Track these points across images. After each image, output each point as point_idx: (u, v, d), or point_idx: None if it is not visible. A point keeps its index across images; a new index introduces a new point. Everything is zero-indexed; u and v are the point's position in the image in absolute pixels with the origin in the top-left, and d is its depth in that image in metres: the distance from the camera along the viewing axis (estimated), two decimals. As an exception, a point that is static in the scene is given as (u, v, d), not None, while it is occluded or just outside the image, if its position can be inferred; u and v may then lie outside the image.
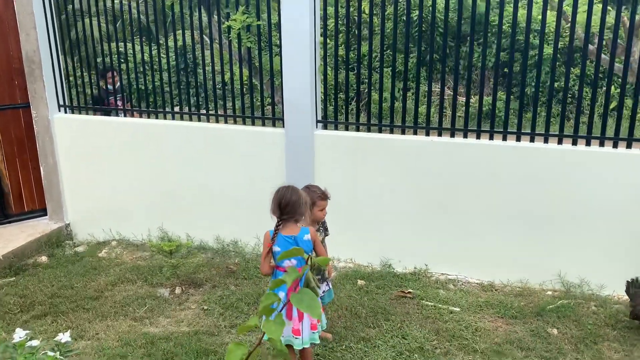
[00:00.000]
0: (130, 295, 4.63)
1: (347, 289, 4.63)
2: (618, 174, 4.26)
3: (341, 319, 4.18)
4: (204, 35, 5.22)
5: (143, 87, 5.69)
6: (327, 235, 3.86)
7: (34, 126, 5.86)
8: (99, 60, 5.79)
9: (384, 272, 4.91)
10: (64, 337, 2.20)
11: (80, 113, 5.90)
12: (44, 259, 5.49)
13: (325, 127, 5.09)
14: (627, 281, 4.00)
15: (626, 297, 4.32)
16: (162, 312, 4.36)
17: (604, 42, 6.82)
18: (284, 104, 4.95)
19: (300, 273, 1.34)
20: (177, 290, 4.69)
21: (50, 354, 1.81)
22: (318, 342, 3.37)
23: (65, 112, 5.90)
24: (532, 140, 4.55)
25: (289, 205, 3.28)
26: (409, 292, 4.52)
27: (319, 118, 5.01)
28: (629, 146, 4.32)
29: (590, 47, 6.55)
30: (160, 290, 4.70)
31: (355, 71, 4.86)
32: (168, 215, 5.68)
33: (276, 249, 3.27)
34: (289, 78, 4.85)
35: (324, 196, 3.64)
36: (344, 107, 5.11)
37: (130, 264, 5.28)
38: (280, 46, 4.82)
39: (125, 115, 5.79)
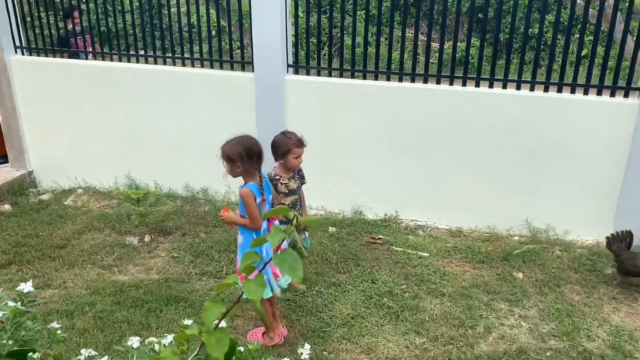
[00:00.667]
0: (98, 244, 4.56)
1: (318, 236, 4.64)
2: (586, 121, 4.28)
3: (312, 265, 4.20)
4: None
5: (105, 30, 5.42)
6: (303, 183, 3.81)
7: (-10, 69, 5.57)
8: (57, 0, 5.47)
9: (355, 219, 4.92)
10: (26, 286, 2.13)
11: (39, 55, 5.61)
12: (6, 207, 5.34)
13: (296, 72, 4.95)
14: (607, 237, 4.02)
15: (590, 241, 4.46)
16: (131, 260, 4.31)
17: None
18: (254, 48, 4.78)
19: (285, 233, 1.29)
20: (146, 239, 4.64)
21: (11, 304, 1.73)
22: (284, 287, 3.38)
23: (23, 53, 5.60)
24: (504, 87, 4.52)
25: (261, 154, 3.23)
26: (379, 238, 4.56)
27: (290, 62, 4.87)
28: (599, 93, 4.33)
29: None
30: (129, 239, 4.63)
31: (328, 14, 4.70)
32: (135, 162, 5.54)
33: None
34: (259, 20, 4.67)
35: (300, 143, 3.56)
36: (316, 52, 4.97)
37: (97, 212, 5.18)
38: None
39: (87, 58, 5.53)
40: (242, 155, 3.11)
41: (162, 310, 3.61)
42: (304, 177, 3.80)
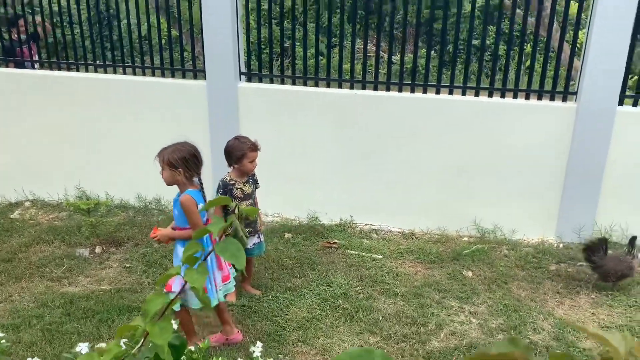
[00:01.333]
0: (46, 256, 4.44)
1: (274, 242, 4.66)
2: (528, 124, 4.48)
3: (268, 271, 4.21)
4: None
5: (53, 40, 5.32)
6: (257, 187, 3.83)
7: None
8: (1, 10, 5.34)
9: (310, 224, 4.97)
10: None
11: (-18, 65, 5.46)
12: (-52, 222, 5.13)
13: (249, 80, 4.99)
14: (584, 249, 3.90)
15: (535, 240, 4.64)
16: (81, 272, 4.22)
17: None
18: (205, 56, 4.79)
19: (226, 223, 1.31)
20: (97, 250, 4.54)
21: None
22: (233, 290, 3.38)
23: (-36, 63, 5.44)
24: (450, 93, 4.68)
25: (202, 160, 3.19)
26: (335, 243, 4.62)
27: (243, 70, 4.90)
28: (539, 98, 4.54)
29: (507, 2, 6.77)
30: (80, 250, 4.53)
31: (279, 25, 4.77)
32: (85, 173, 5.43)
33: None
34: (210, 29, 4.69)
35: (254, 147, 3.60)
36: (268, 61, 5.04)
37: (46, 225, 5.04)
38: (199, -7, 4.63)
39: (34, 67, 5.41)
40: (185, 161, 3.06)
41: (114, 320, 3.55)
42: (257, 181, 3.83)
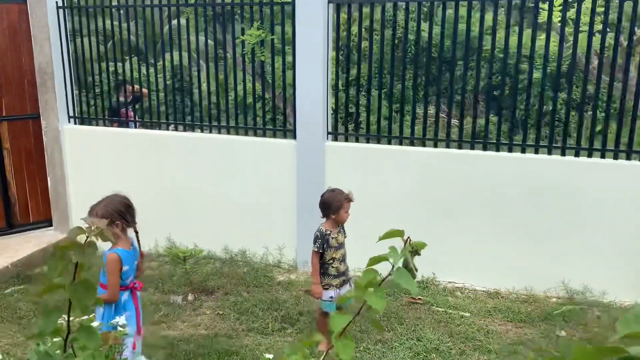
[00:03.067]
0: (143, 302, 4.64)
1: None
2: (616, 184, 4.48)
3: (356, 323, 4.26)
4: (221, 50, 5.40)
5: (154, 102, 5.81)
6: (345, 237, 3.99)
7: (43, 137, 5.92)
8: (105, 75, 5.91)
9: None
10: (122, 320, 2.30)
11: (90, 124, 5.98)
12: (50, 268, 5.48)
13: (335, 139, 5.25)
14: None
15: (628, 302, 4.51)
16: (177, 317, 4.40)
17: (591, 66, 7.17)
18: (297, 117, 5.10)
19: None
20: (190, 297, 4.74)
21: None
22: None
23: (75, 123, 5.97)
24: (536, 152, 4.77)
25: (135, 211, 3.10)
26: (420, 299, 4.64)
27: (329, 130, 5.18)
28: (627, 158, 4.56)
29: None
30: (173, 297, 4.74)
31: (364, 87, 5.06)
32: (176, 226, 5.73)
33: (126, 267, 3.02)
34: (302, 91, 5.02)
35: (349, 198, 3.79)
36: (349, 121, 5.32)
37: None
38: (293, 60, 5.00)
39: (136, 127, 5.89)
40: (121, 212, 2.98)
41: (215, 362, 3.67)
42: (345, 231, 3.98)
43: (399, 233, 1.56)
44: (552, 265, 4.71)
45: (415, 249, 1.55)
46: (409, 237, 1.53)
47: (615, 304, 4.51)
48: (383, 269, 1.35)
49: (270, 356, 2.08)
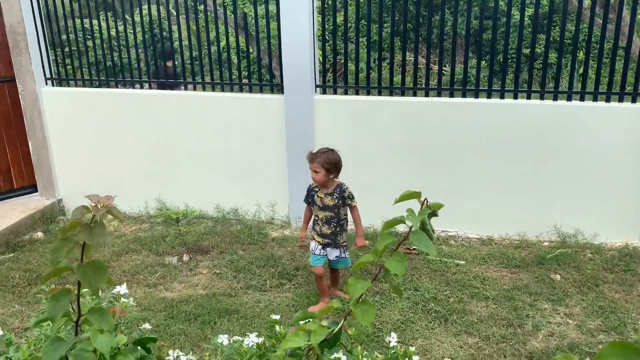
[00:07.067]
0: (138, 265, 4.64)
1: (350, 249, 4.74)
2: (608, 127, 4.47)
3: (352, 275, 4.29)
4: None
5: (129, 59, 5.60)
6: (347, 204, 3.84)
7: (21, 100, 5.71)
8: (81, 33, 5.65)
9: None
10: (122, 289, 2.27)
11: (68, 85, 5.77)
12: (39, 235, 5.40)
13: (324, 92, 5.13)
14: None
15: (618, 243, 4.59)
16: (174, 278, 4.39)
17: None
18: (283, 71, 4.96)
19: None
20: (185, 258, 4.72)
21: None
22: None
23: (53, 84, 5.76)
24: (528, 97, 4.72)
25: None
26: (414, 249, 4.67)
27: (318, 83, 5.05)
28: (620, 100, 4.53)
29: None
30: (168, 258, 4.71)
31: (351, 37, 4.91)
32: (165, 186, 5.65)
33: None
34: (289, 44, 4.86)
35: (309, 159, 3.75)
36: (338, 73, 5.19)
37: (131, 236, 5.26)
38: (277, 10, 4.81)
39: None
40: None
41: (216, 322, 3.68)
42: (347, 198, 3.82)
43: (415, 195, 1.51)
44: (543, 210, 4.75)
45: (433, 211, 1.50)
46: (426, 199, 1.48)
47: (607, 246, 4.58)
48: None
49: (277, 317, 2.06)
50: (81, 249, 1.12)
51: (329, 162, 3.71)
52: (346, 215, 3.92)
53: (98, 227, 1.11)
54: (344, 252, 3.93)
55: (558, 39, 4.69)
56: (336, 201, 3.82)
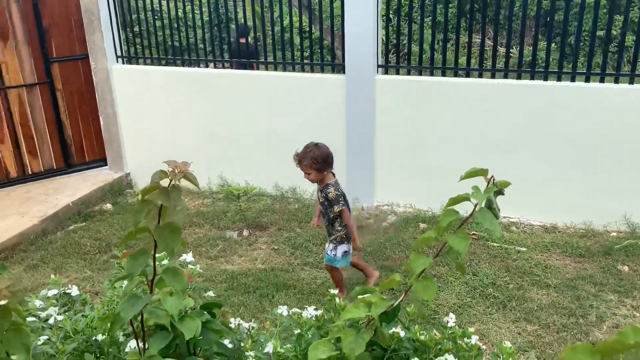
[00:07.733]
0: (200, 237, 4.80)
1: (410, 231, 4.73)
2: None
3: (409, 258, 4.27)
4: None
5: (198, 40, 5.72)
6: (329, 205, 3.59)
7: (93, 77, 5.97)
8: (151, 13, 5.82)
9: (444, 215, 4.97)
10: (188, 257, 2.35)
11: (137, 63, 5.98)
12: (108, 206, 5.68)
13: (386, 72, 5.09)
14: None
15: (694, 236, 4.34)
16: (235, 252, 4.52)
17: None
18: (345, 50, 4.94)
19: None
20: (245, 233, 4.84)
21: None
22: None
23: (123, 62, 5.98)
24: (601, 80, 4.50)
25: None
26: (474, 234, 4.60)
27: (380, 63, 5.01)
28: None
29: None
30: (229, 233, 4.85)
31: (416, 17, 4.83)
32: (227, 164, 5.79)
33: None
34: (351, 24, 4.83)
35: (296, 160, 3.62)
36: (400, 54, 5.12)
37: (194, 210, 5.44)
38: (341, -10, 4.79)
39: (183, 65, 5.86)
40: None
41: (274, 296, 3.78)
42: (329, 200, 3.57)
43: (482, 172, 1.49)
44: (612, 200, 4.55)
45: (499, 189, 1.47)
46: (492, 176, 1.45)
47: (681, 239, 4.35)
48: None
49: (336, 291, 2.10)
50: (158, 211, 1.18)
51: (316, 162, 3.55)
52: (337, 215, 3.62)
53: (175, 190, 1.16)
54: (332, 250, 3.69)
55: (637, 20, 4.44)
56: (322, 200, 3.65)
